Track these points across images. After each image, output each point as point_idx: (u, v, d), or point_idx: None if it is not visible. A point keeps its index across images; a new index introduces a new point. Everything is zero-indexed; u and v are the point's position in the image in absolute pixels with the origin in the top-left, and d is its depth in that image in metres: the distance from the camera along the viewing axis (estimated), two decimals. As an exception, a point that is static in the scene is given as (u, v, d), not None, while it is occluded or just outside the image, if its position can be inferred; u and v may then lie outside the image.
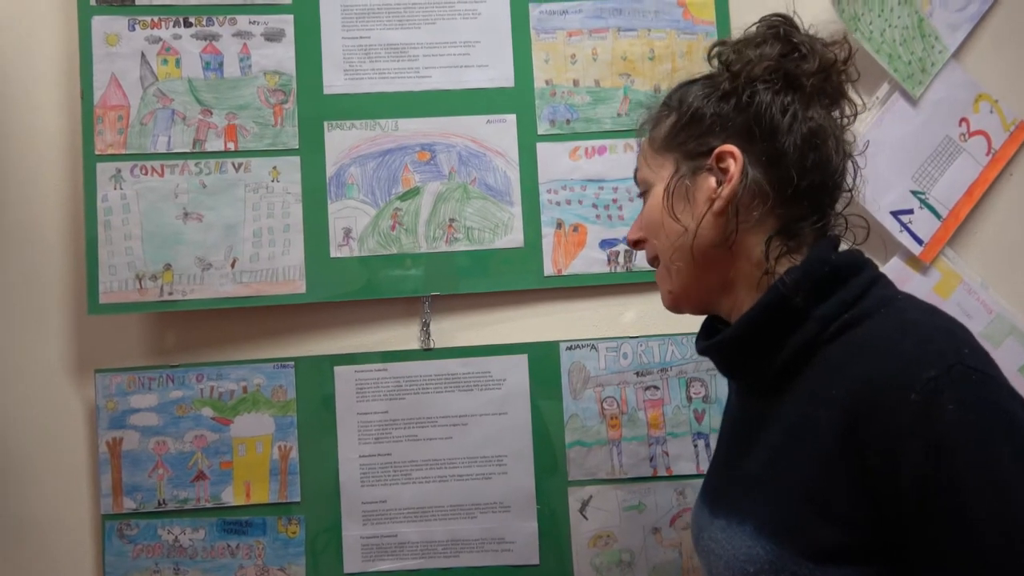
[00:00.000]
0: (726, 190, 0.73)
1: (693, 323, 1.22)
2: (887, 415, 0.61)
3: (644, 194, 0.82)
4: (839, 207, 0.78)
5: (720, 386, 1.25)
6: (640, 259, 1.25)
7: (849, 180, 0.77)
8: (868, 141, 0.77)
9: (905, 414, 0.60)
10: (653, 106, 0.84)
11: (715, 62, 0.79)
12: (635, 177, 0.85)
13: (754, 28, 0.78)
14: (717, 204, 0.74)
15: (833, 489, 0.64)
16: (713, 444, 1.17)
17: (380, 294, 1.25)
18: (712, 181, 0.75)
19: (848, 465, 0.63)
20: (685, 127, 0.78)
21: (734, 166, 0.73)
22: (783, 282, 0.70)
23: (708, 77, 0.79)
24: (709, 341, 0.78)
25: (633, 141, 1.28)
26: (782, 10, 0.94)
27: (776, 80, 0.74)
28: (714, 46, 0.80)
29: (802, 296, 0.70)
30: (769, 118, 0.73)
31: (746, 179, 0.73)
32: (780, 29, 0.76)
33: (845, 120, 0.78)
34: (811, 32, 0.77)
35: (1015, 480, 0.58)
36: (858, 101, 0.79)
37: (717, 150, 0.74)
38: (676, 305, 0.81)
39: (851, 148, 0.77)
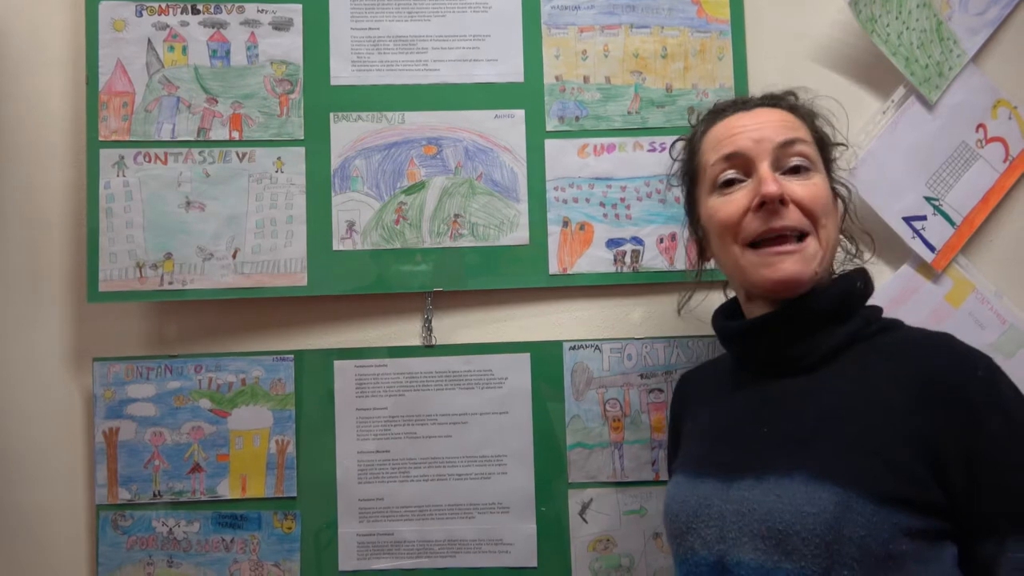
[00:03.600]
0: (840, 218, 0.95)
1: (699, 327, 1.20)
2: (961, 391, 0.76)
3: (801, 169, 0.88)
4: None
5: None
6: (648, 260, 1.25)
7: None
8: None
9: (977, 389, 0.76)
10: (798, 100, 0.97)
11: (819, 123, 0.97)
12: (790, 138, 0.88)
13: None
14: (842, 224, 0.95)
15: (897, 447, 0.75)
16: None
17: (382, 289, 1.23)
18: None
19: (914, 429, 0.76)
20: (824, 150, 0.94)
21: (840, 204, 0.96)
22: (859, 279, 0.89)
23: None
24: (791, 300, 0.86)
25: (643, 140, 1.26)
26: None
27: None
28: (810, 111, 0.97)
29: (859, 294, 0.88)
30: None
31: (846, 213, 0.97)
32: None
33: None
34: None
35: None
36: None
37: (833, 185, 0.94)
38: (804, 286, 0.86)
39: None
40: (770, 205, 0.84)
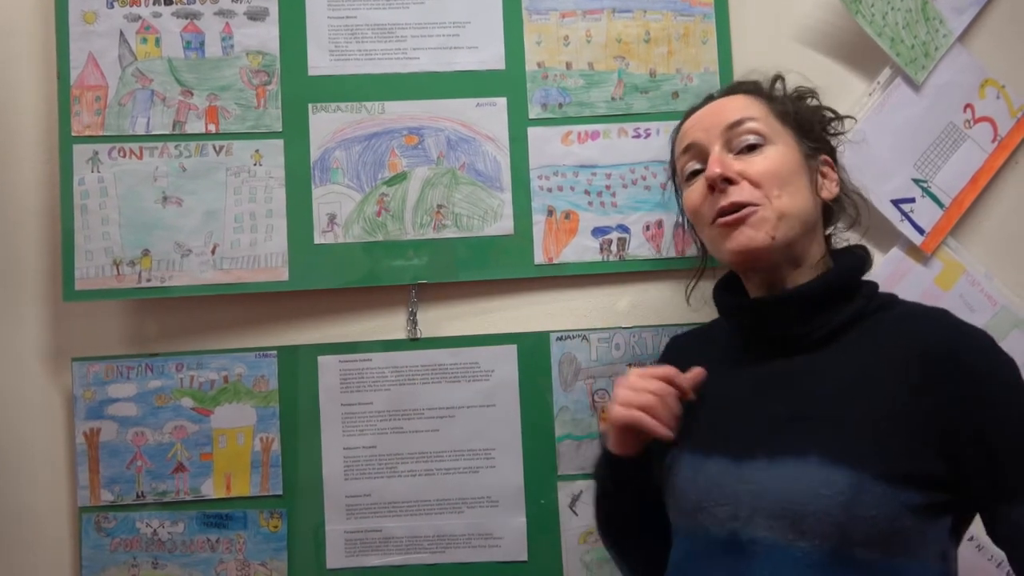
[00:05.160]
0: (834, 189, 0.94)
1: (687, 315, 1.19)
2: (968, 366, 0.79)
3: (753, 147, 0.90)
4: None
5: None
6: (634, 248, 1.23)
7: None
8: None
9: (982, 364, 0.80)
10: (765, 78, 1.00)
11: (811, 100, 1.01)
12: (735, 119, 0.91)
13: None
14: (824, 192, 0.93)
15: (905, 424, 0.78)
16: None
17: (365, 282, 1.21)
18: (817, 176, 0.93)
19: (921, 404, 0.78)
20: (803, 122, 0.94)
21: (834, 175, 0.95)
22: (857, 257, 0.91)
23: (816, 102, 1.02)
24: (787, 291, 0.89)
25: (628, 126, 1.24)
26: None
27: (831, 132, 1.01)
28: (782, 83, 1.01)
29: (858, 274, 0.90)
30: (835, 152, 1.00)
31: (841, 187, 0.96)
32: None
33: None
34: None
35: None
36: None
37: (825, 157, 0.95)
38: (764, 253, 0.88)
39: None
40: (719, 186, 0.89)
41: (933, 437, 0.78)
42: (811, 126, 0.95)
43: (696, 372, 0.90)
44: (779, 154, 0.90)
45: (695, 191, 0.94)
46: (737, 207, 0.87)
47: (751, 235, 0.87)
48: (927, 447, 0.78)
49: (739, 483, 0.82)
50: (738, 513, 0.81)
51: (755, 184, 0.88)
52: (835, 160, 0.98)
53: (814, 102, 1.01)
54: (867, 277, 0.93)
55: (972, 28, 1.27)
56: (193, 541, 1.19)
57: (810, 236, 0.91)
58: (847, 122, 1.05)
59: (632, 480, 0.93)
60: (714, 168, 0.89)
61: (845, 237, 1.01)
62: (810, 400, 0.83)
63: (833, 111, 1.02)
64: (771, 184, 0.87)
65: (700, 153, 0.94)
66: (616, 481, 0.94)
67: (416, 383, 1.21)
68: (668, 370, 0.89)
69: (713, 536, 0.83)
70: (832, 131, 1.01)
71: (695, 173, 0.95)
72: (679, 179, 1.00)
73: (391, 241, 1.21)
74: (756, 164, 0.89)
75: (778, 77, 1.01)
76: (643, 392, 0.87)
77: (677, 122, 1.12)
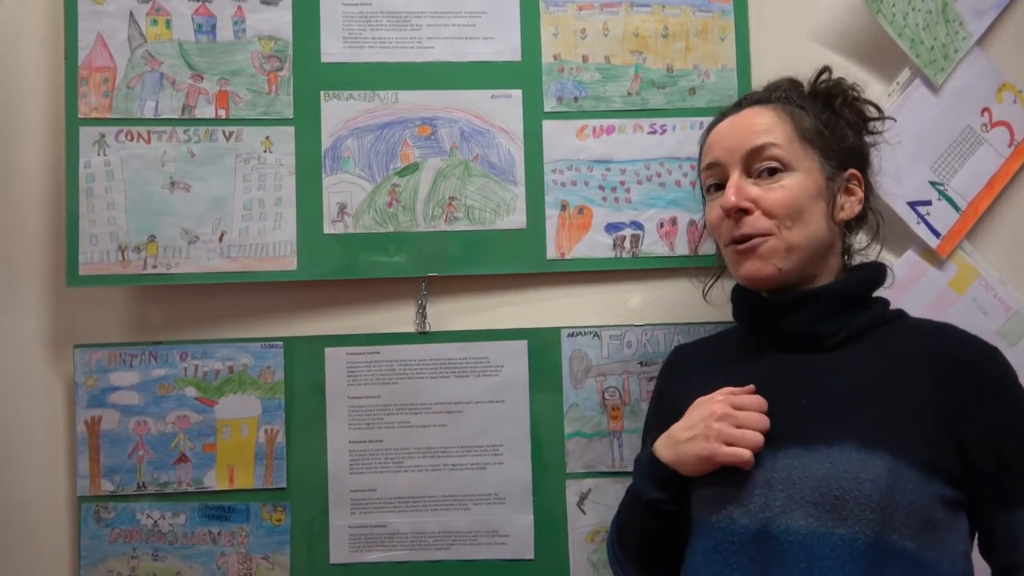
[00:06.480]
0: (856, 207, 0.94)
1: (700, 313, 1.17)
2: (985, 376, 0.84)
3: (775, 172, 0.90)
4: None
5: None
6: (647, 245, 1.21)
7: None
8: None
9: (998, 374, 0.85)
10: (792, 90, 0.98)
11: (841, 97, 0.98)
12: (757, 145, 0.91)
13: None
14: (841, 215, 0.92)
15: (929, 421, 0.81)
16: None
17: (375, 274, 1.20)
18: (839, 195, 0.93)
19: (941, 406, 0.82)
20: (831, 136, 0.93)
21: (859, 191, 0.95)
22: (876, 270, 0.94)
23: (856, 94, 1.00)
24: (805, 290, 0.91)
25: (643, 121, 1.22)
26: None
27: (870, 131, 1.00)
28: (828, 76, 1.00)
29: (873, 285, 0.93)
30: (869, 157, 0.98)
31: (866, 202, 0.96)
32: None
33: None
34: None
35: None
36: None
37: (852, 172, 0.94)
38: (773, 280, 0.90)
39: None
40: (733, 215, 0.91)
41: (952, 437, 0.81)
42: (842, 138, 0.95)
43: (750, 389, 0.88)
44: (797, 183, 0.90)
45: (714, 210, 0.95)
46: (748, 238, 0.90)
47: (759, 266, 0.90)
48: (948, 445, 0.81)
49: (773, 472, 0.82)
50: (771, 502, 0.80)
51: (768, 214, 0.89)
52: (866, 169, 0.98)
53: (855, 93, 1.00)
54: (882, 291, 0.95)
55: (991, 32, 1.26)
56: (194, 533, 1.17)
57: (824, 257, 0.93)
58: (887, 122, 1.03)
59: (683, 493, 0.90)
60: (729, 198, 0.90)
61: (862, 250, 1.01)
62: (837, 393, 0.85)
63: (877, 108, 1.02)
64: (784, 215, 0.89)
65: (721, 172, 0.95)
66: (674, 499, 0.89)
67: (424, 377, 1.20)
68: (761, 400, 0.86)
69: (741, 527, 0.82)
70: (871, 130, 1.01)
71: (717, 186, 0.96)
72: (704, 188, 1.01)
73: (402, 232, 1.19)
74: (773, 193, 0.90)
75: (825, 69, 1.00)
76: (750, 431, 0.83)
77: (694, 119, 1.21)
